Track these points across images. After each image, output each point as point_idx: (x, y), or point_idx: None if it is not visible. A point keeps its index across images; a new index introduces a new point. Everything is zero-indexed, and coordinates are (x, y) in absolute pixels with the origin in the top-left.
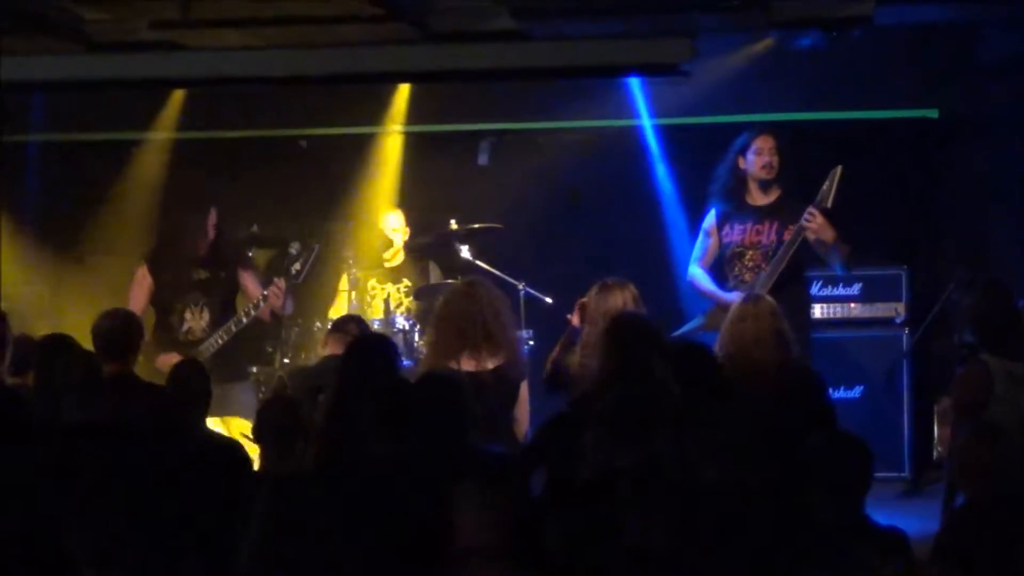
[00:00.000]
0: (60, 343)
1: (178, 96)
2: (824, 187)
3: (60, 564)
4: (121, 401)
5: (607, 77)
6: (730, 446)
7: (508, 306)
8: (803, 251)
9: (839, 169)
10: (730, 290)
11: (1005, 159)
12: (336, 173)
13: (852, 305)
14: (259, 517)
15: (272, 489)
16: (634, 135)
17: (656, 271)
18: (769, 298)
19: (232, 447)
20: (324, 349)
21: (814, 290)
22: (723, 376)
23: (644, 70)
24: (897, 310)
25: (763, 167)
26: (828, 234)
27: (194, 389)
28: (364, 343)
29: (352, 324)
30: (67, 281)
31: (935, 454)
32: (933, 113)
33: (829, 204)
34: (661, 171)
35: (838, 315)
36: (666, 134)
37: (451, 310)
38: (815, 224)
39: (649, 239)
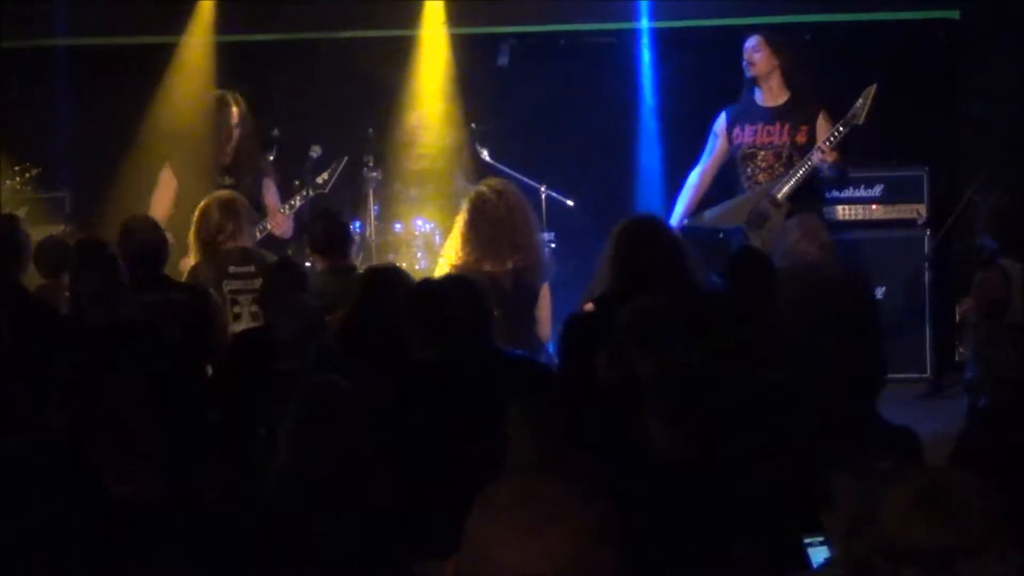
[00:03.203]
0: (89, 246)
1: (207, 2)
2: (858, 104)
3: (83, 473)
4: (149, 303)
5: None
6: (768, 354)
7: (531, 210)
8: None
9: (874, 87)
10: (742, 191)
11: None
12: (360, 76)
13: (873, 207)
14: (295, 421)
15: (307, 397)
16: (654, 37)
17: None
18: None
19: None
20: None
21: (835, 191)
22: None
23: None
24: (918, 211)
25: (746, 64)
26: (834, 159)
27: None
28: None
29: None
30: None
31: (956, 355)
32: (954, 14)
33: (861, 121)
34: (674, 77)
35: (859, 216)
36: (682, 37)
37: (477, 214)
38: (828, 159)
39: (675, 141)
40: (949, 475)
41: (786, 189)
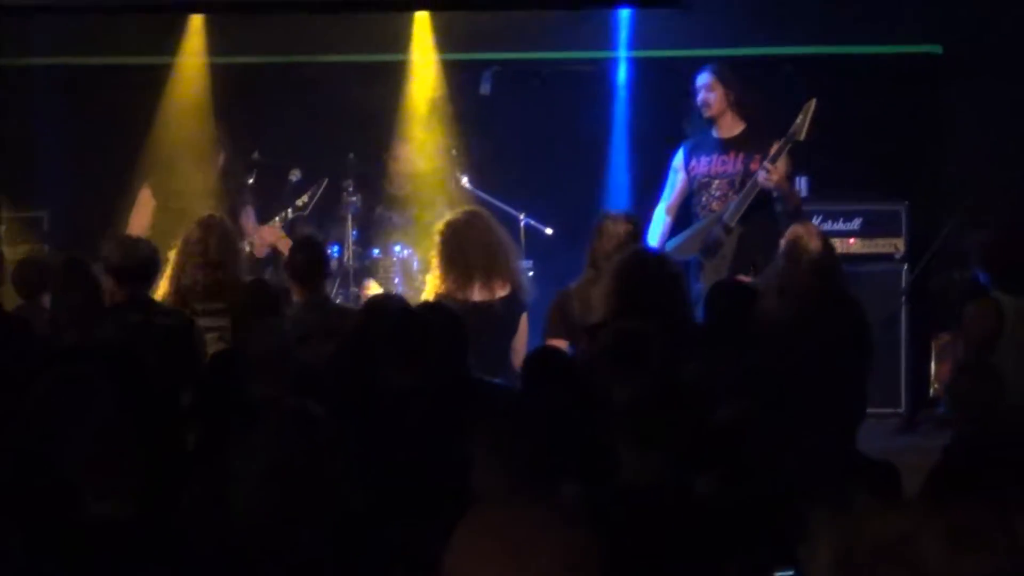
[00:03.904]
0: (71, 266)
1: (196, 22)
2: (798, 120)
3: (61, 493)
4: (128, 325)
5: (609, 7)
6: (749, 384)
7: (508, 236)
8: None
9: (813, 102)
10: (698, 219)
11: (1007, 95)
12: (341, 101)
13: (851, 240)
14: (263, 449)
15: (278, 422)
16: (636, 67)
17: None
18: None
19: None
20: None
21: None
22: (759, 314)
23: (647, 2)
24: (896, 246)
25: (700, 104)
26: (784, 185)
27: None
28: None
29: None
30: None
31: (931, 390)
32: (937, 49)
33: (802, 137)
34: (654, 105)
35: (837, 250)
36: (664, 67)
37: (452, 241)
38: (772, 178)
39: (650, 173)
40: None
41: (736, 213)
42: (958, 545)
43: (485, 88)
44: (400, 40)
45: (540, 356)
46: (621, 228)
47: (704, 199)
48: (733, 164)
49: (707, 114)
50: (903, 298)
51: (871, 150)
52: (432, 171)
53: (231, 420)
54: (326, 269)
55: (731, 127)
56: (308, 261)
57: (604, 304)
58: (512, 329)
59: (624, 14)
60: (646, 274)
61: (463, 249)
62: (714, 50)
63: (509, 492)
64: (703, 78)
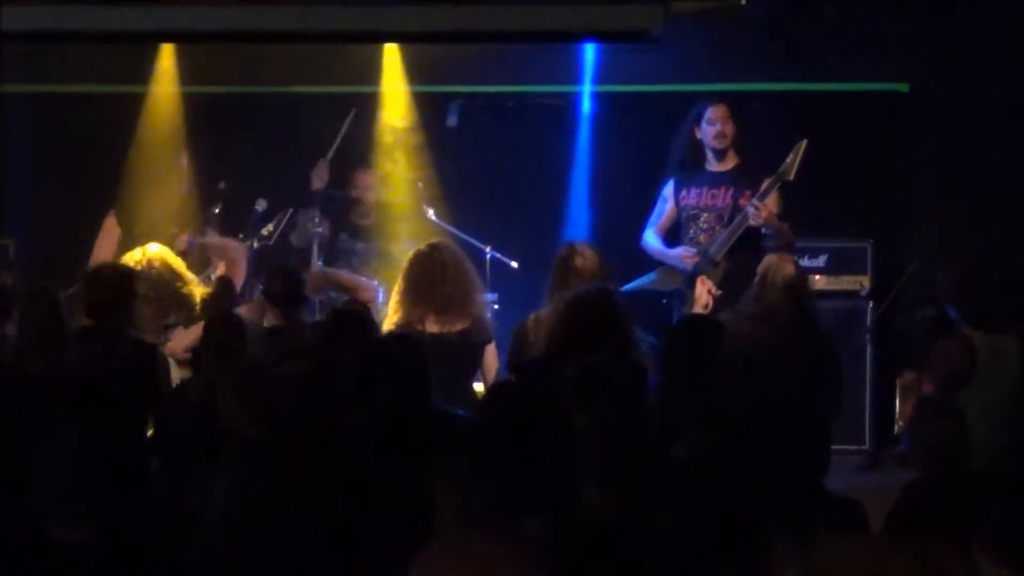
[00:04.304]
0: (35, 293)
1: (167, 51)
2: (788, 160)
3: (25, 521)
4: (92, 353)
5: (576, 42)
6: (711, 420)
7: (472, 269)
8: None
9: (804, 143)
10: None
11: (973, 134)
12: (311, 132)
13: (817, 277)
14: (228, 477)
15: (243, 452)
16: (603, 101)
17: (627, 237)
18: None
19: None
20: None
21: None
22: (724, 350)
23: (615, 37)
24: (862, 283)
25: (716, 136)
26: (773, 222)
27: None
28: (344, 317)
29: (278, 282)
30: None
31: (896, 427)
32: (904, 87)
33: (791, 177)
34: (619, 138)
35: None
36: (631, 101)
37: (415, 272)
38: (762, 216)
39: (620, 206)
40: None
41: (723, 248)
42: None
43: (452, 120)
44: (369, 71)
45: (495, 389)
46: (590, 261)
47: (692, 231)
48: (723, 198)
49: (720, 145)
50: (868, 335)
51: (837, 187)
52: (398, 202)
53: (194, 449)
54: (302, 294)
55: (726, 161)
56: (285, 288)
57: (547, 339)
58: (471, 362)
59: (590, 49)
60: (592, 311)
61: (420, 281)
62: (681, 86)
63: (468, 524)
64: (720, 110)
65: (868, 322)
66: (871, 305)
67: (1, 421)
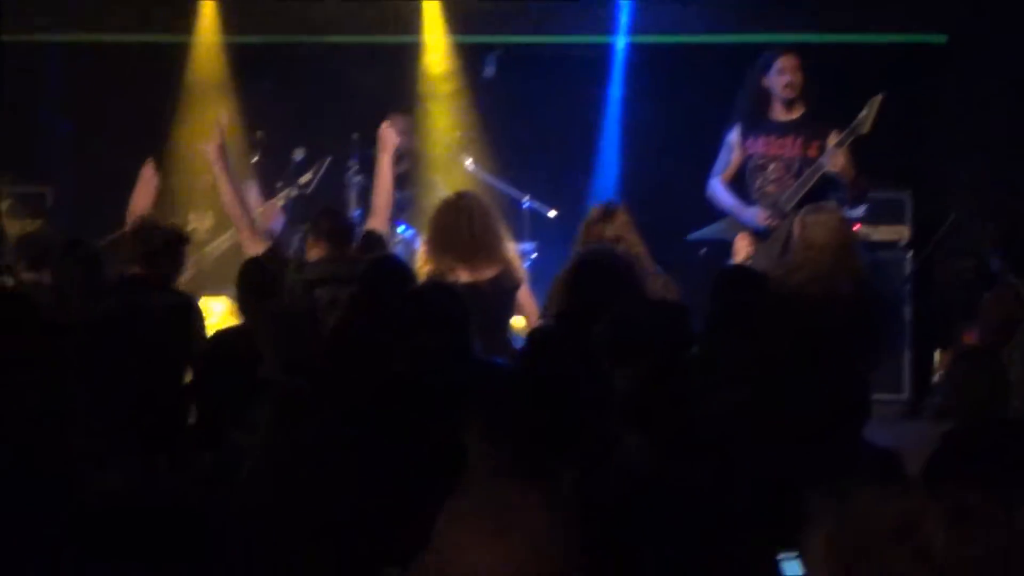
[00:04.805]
0: (74, 242)
1: (208, 1)
2: (863, 114)
3: (67, 463)
4: (130, 302)
5: None
6: (751, 371)
7: (499, 217)
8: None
9: (880, 97)
10: (752, 203)
11: (1011, 83)
12: (350, 82)
13: (856, 228)
14: (266, 426)
15: (280, 401)
16: (638, 52)
17: (669, 187)
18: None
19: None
20: (311, 252)
21: None
22: (769, 302)
23: None
24: (900, 233)
25: (786, 86)
26: (848, 173)
27: None
28: (383, 263)
29: (327, 220)
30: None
31: (935, 378)
32: (941, 39)
33: (866, 131)
34: (666, 90)
35: None
36: (666, 53)
37: (441, 222)
38: (838, 165)
39: (654, 157)
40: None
41: (793, 198)
42: (960, 528)
43: (490, 71)
44: (409, 21)
45: (532, 338)
46: (617, 220)
47: (760, 181)
48: (791, 147)
49: (789, 95)
50: (907, 285)
51: (875, 138)
52: (436, 152)
53: (232, 397)
54: (351, 234)
55: (792, 110)
56: (336, 225)
57: (558, 298)
58: (505, 308)
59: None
60: (598, 270)
61: (446, 230)
62: (715, 36)
63: (502, 474)
64: (790, 60)
65: (907, 272)
66: (910, 255)
67: (38, 369)
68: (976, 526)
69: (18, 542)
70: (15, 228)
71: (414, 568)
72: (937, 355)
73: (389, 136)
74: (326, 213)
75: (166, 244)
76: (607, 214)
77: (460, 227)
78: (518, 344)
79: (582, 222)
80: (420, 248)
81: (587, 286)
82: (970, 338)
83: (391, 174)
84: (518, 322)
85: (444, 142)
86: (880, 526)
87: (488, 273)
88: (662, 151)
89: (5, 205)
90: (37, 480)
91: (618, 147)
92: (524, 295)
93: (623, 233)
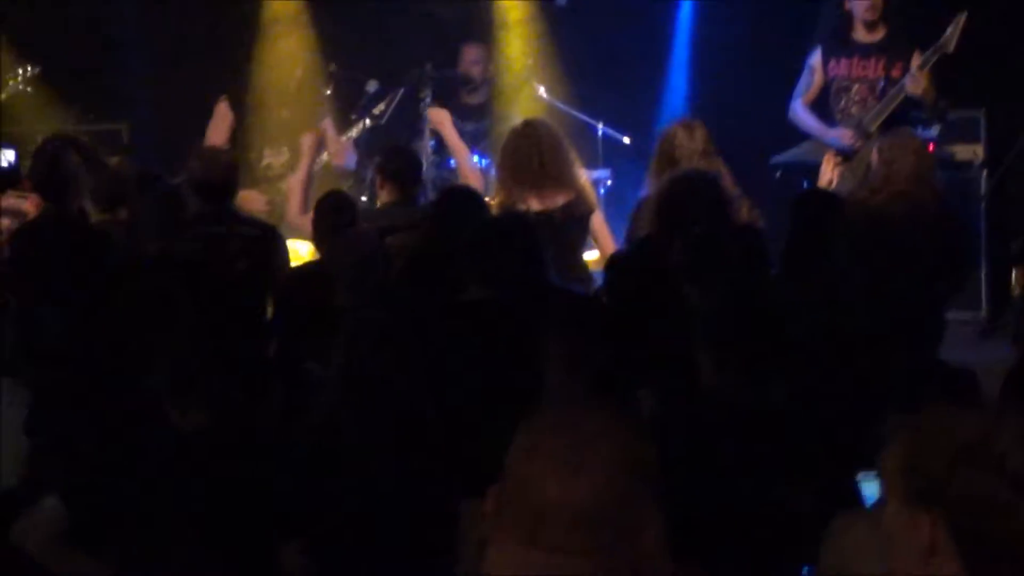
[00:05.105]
0: (149, 178)
1: None
2: (948, 32)
3: (146, 400)
4: (209, 236)
5: None
6: (830, 294)
7: (569, 144)
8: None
9: (964, 15)
10: (834, 125)
11: None
12: (417, 11)
13: (930, 147)
14: (342, 356)
15: (356, 330)
16: None
17: (744, 110)
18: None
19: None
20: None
21: None
22: (849, 223)
23: None
24: (975, 152)
25: (868, 8)
26: (931, 93)
27: None
28: (456, 192)
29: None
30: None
31: (1014, 294)
32: None
33: (951, 49)
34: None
35: None
36: None
37: (510, 151)
38: (921, 86)
39: (735, 81)
40: None
41: (878, 118)
42: None
43: (562, 0)
44: None
45: (611, 263)
46: (698, 136)
47: (843, 103)
48: (874, 69)
49: (872, 17)
50: (982, 204)
51: (948, 56)
52: (509, 81)
53: (311, 330)
54: (418, 172)
55: (874, 31)
56: (403, 166)
57: (648, 220)
58: (578, 235)
59: None
60: (691, 192)
61: (516, 159)
62: None
63: (578, 399)
64: None
65: (982, 191)
66: (985, 174)
67: (118, 305)
68: None
69: (105, 479)
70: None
71: (490, 499)
72: (1014, 274)
73: (442, 116)
74: (392, 152)
75: (223, 173)
76: (688, 128)
77: (530, 156)
78: (598, 279)
79: (658, 138)
80: (494, 178)
81: (674, 209)
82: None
83: (460, 144)
84: (592, 256)
85: (517, 71)
86: (954, 444)
87: (559, 200)
88: (737, 75)
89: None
90: (119, 423)
91: (687, 71)
92: (597, 222)
93: (706, 147)
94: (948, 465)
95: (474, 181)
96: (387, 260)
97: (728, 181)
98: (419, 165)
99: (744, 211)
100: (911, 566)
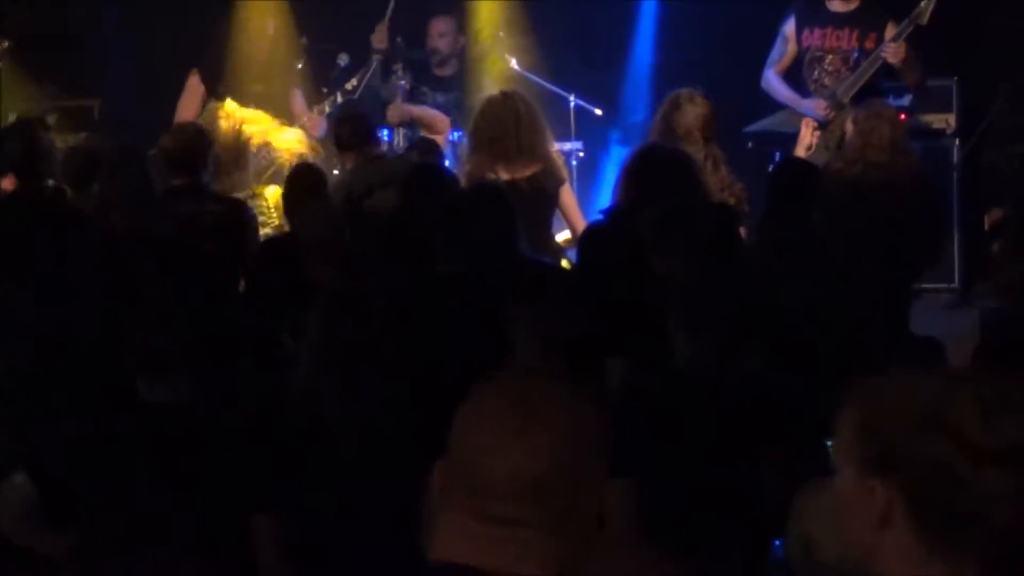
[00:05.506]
0: (120, 154)
1: None
2: (922, 3)
3: (116, 374)
4: (181, 211)
5: None
6: (805, 263)
7: (541, 115)
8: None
9: None
10: (807, 95)
11: None
12: None
13: (902, 116)
14: (316, 330)
15: (329, 304)
16: None
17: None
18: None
19: None
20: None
21: None
22: (822, 192)
23: None
24: (947, 121)
25: None
26: (909, 63)
27: None
28: (427, 168)
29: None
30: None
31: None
32: None
33: (925, 21)
34: None
35: None
36: None
37: (485, 121)
38: (899, 56)
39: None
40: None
41: (851, 89)
42: (991, 411)
43: None
44: None
45: (585, 235)
46: (700, 106)
47: (816, 73)
48: (848, 40)
49: None
50: (955, 173)
51: (920, 25)
52: (479, 53)
53: (284, 303)
54: (371, 132)
55: (848, 1)
56: (353, 130)
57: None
58: (545, 207)
59: None
60: (659, 164)
61: (488, 130)
62: None
63: (538, 368)
64: None
65: (955, 160)
66: (957, 143)
67: (89, 280)
68: (1011, 411)
69: (74, 454)
70: (63, 142)
71: (437, 472)
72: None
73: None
74: (336, 123)
75: (189, 147)
76: (691, 100)
77: (506, 126)
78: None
79: (661, 107)
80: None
81: (641, 180)
82: (996, 217)
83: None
84: (563, 236)
85: (487, 43)
86: (910, 411)
87: (527, 172)
88: (706, 44)
89: (52, 119)
90: (90, 396)
91: (656, 41)
92: (567, 195)
93: (705, 126)
94: (904, 432)
95: (440, 124)
96: (366, 225)
97: (723, 166)
98: (369, 127)
99: (734, 198)
100: (863, 535)
